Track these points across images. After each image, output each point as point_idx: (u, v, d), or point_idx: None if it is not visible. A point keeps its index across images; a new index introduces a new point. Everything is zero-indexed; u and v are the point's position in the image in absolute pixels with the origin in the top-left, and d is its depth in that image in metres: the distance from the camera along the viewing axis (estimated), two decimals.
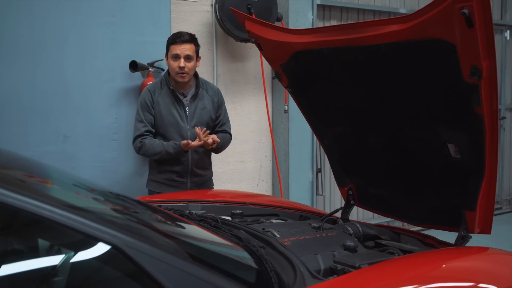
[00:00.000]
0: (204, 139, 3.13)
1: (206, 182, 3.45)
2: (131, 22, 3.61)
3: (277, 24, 4.47)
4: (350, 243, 2.12)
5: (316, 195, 4.91)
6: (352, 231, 2.46)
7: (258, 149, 4.75)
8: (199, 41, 4.29)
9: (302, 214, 2.93)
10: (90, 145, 3.53)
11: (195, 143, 3.14)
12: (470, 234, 2.31)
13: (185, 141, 3.13)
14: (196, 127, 3.17)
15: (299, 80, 2.80)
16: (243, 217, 2.68)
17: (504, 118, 6.69)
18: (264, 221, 2.67)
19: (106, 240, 1.14)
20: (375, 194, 2.86)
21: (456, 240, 2.31)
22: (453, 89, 2.09)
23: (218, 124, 3.44)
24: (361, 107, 2.60)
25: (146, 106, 3.23)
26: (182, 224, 1.82)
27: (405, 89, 2.32)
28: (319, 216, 2.92)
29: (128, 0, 3.62)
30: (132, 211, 1.71)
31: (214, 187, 4.38)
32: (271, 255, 1.76)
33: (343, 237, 2.23)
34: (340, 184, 2.97)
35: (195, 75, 3.35)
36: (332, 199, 5.31)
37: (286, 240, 2.09)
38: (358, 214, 5.37)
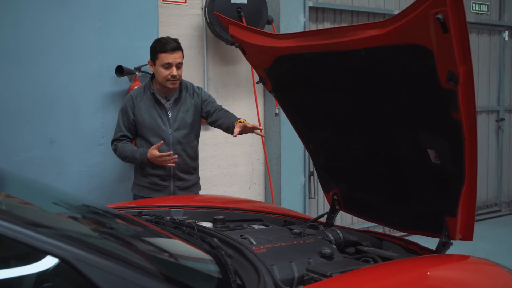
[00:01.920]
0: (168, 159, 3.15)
1: (191, 186, 3.42)
2: (118, 26, 3.60)
3: (267, 27, 4.45)
4: (326, 251, 2.10)
5: (309, 198, 4.88)
6: (332, 238, 2.43)
7: (250, 152, 4.73)
8: (190, 44, 4.32)
9: (287, 219, 2.91)
10: (76, 149, 3.52)
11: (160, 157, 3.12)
12: (452, 241, 2.29)
13: (154, 152, 3.13)
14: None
15: (283, 84, 2.79)
16: (225, 222, 2.66)
17: (503, 119, 6.64)
18: (245, 226, 2.65)
19: (53, 253, 1.12)
20: (360, 199, 2.84)
21: (437, 247, 2.29)
22: (431, 94, 2.07)
23: (215, 111, 3.36)
24: (344, 112, 2.58)
25: (125, 111, 3.27)
26: (150, 234, 1.80)
27: (386, 94, 2.30)
28: (305, 221, 2.90)
29: (115, 5, 3.60)
30: (98, 224, 1.68)
31: (202, 191, 4.39)
32: (240, 263, 1.74)
33: (320, 244, 2.20)
34: (325, 189, 2.96)
35: None
36: (325, 202, 5.28)
37: (262, 247, 2.07)
38: (353, 218, 5.34)
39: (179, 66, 3.20)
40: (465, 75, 1.90)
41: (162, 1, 4.12)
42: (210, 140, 4.48)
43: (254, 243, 2.17)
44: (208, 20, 4.17)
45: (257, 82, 2.91)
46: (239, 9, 4.14)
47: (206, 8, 4.14)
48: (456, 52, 1.85)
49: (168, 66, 3.16)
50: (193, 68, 4.36)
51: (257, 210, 2.94)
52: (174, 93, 3.29)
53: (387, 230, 4.68)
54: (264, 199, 4.84)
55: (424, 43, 1.94)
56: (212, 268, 1.58)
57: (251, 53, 2.80)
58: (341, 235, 2.46)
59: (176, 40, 3.23)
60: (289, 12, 4.60)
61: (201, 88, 3.43)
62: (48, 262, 1.14)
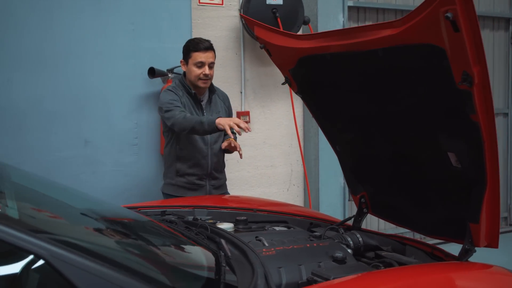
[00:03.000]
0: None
1: (222, 185, 3.50)
2: (151, 29, 3.67)
3: (304, 28, 4.43)
4: (338, 254, 2.06)
5: (349, 200, 4.82)
6: (351, 241, 2.39)
7: (288, 153, 4.71)
8: (227, 46, 4.35)
9: (312, 222, 2.89)
10: (110, 149, 3.61)
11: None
12: (476, 248, 2.20)
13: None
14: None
15: (308, 85, 2.77)
16: (248, 223, 2.67)
17: None
18: (267, 228, 2.65)
19: (30, 250, 1.15)
20: (386, 203, 2.78)
21: (460, 254, 2.21)
22: (448, 96, 2.00)
23: None
24: (366, 113, 2.54)
25: (175, 97, 3.20)
26: (149, 234, 1.83)
27: (404, 95, 2.25)
28: (331, 224, 2.87)
29: (148, 8, 3.68)
30: (93, 224, 1.72)
31: (239, 192, 4.41)
32: (242, 265, 1.74)
33: (334, 248, 2.17)
34: (353, 192, 2.91)
35: None
36: None
37: (272, 249, 2.06)
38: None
39: (211, 65, 3.27)
40: (480, 75, 1.83)
41: (198, 3, 4.17)
42: (248, 141, 4.49)
43: (266, 245, 2.16)
44: (243, 22, 4.18)
45: (283, 83, 2.91)
46: (274, 10, 4.12)
47: (242, 10, 4.15)
48: (469, 52, 1.79)
49: (200, 65, 3.23)
50: (230, 69, 4.38)
51: (282, 212, 2.93)
52: (205, 93, 3.35)
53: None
54: (303, 201, 4.81)
55: (436, 42, 1.88)
56: (202, 270, 1.59)
57: (276, 54, 2.80)
58: (360, 239, 2.42)
59: (208, 41, 3.30)
60: (327, 11, 4.54)
61: (227, 96, 3.52)
62: (24, 259, 1.17)
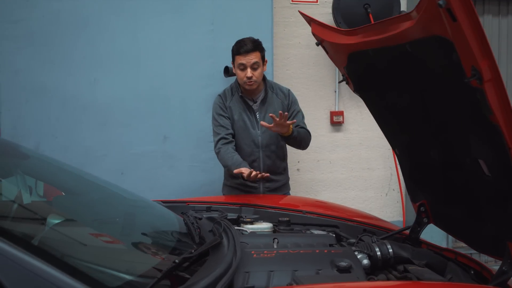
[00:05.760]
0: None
1: (280, 187, 3.39)
2: (231, 29, 3.70)
3: None
4: (342, 263, 1.93)
5: None
6: (378, 252, 2.21)
7: (388, 156, 4.46)
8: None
9: (366, 228, 2.73)
10: (188, 146, 3.74)
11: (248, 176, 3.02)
12: None
13: (239, 171, 3.03)
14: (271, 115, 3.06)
15: (361, 83, 2.63)
16: (290, 225, 2.61)
17: None
18: (303, 231, 2.57)
19: None
20: (444, 213, 2.53)
21: (495, 275, 1.94)
22: (467, 94, 1.76)
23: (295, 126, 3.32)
24: (414, 115, 2.34)
25: (221, 110, 3.29)
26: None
27: (436, 94, 2.04)
28: (387, 232, 2.69)
29: (228, 8, 3.74)
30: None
31: (331, 193, 4.30)
32: (213, 265, 1.72)
33: (345, 256, 2.03)
34: (413, 199, 2.69)
35: (264, 79, 3.31)
36: None
37: (274, 252, 2.00)
38: None
39: (254, 67, 3.18)
40: (490, 71, 1.60)
41: (291, 2, 4.15)
42: (342, 142, 4.36)
43: (275, 246, 2.11)
44: (334, 19, 4.06)
45: (340, 82, 2.80)
46: (366, 5, 3.94)
47: (333, 6, 4.04)
48: (471, 44, 1.57)
49: (243, 67, 3.18)
50: (324, 68, 4.29)
51: (335, 216, 2.80)
52: (259, 94, 3.29)
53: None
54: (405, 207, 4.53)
55: (444, 34, 1.68)
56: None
57: (331, 52, 2.70)
58: (390, 250, 2.22)
59: (253, 41, 3.22)
60: None
61: (289, 90, 3.38)
62: None
